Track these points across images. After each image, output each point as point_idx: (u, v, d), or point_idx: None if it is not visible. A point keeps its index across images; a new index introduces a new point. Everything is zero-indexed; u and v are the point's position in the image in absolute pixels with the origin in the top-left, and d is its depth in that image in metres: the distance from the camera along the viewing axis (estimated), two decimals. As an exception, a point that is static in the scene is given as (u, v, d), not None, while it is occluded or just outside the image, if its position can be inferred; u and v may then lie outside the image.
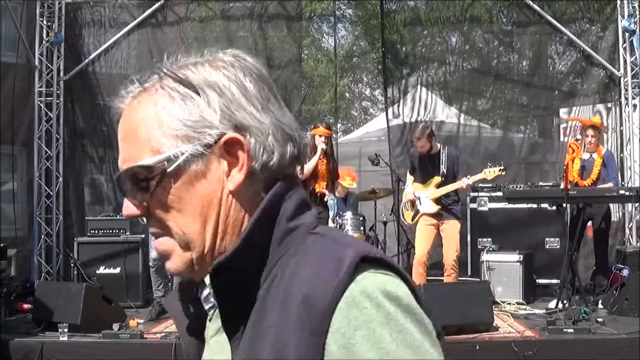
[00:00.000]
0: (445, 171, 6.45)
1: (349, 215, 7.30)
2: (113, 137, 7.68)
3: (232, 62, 0.91)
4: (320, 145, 6.48)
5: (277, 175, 0.90)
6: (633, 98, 8.09)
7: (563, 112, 8.79)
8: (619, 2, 8.12)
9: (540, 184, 7.72)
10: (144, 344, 5.34)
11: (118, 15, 8.66)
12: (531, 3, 8.41)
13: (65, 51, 8.49)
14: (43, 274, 8.05)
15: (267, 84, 0.93)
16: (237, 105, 0.88)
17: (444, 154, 6.51)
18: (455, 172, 6.48)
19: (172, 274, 0.92)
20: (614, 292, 6.20)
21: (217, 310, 0.90)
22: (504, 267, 6.86)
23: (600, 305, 6.30)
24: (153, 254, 6.42)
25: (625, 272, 6.82)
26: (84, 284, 6.08)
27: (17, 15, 7.78)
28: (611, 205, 7.04)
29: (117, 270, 7.13)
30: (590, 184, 6.55)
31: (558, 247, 7.31)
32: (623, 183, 7.70)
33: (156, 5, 8.61)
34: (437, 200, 6.45)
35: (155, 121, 0.87)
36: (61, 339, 5.35)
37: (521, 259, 6.84)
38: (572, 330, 5.27)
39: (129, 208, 0.90)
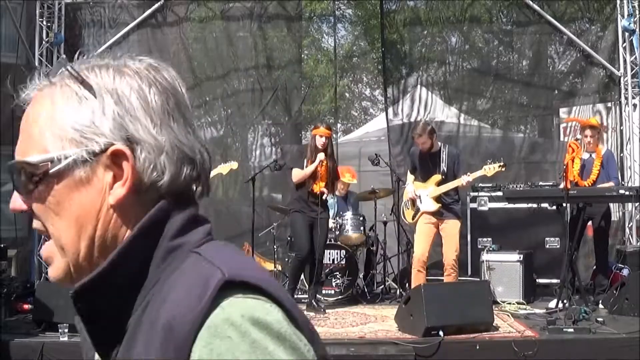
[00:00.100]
0: (445, 169, 6.44)
1: (349, 215, 7.31)
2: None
3: (139, 71, 0.86)
4: (320, 155, 6.39)
5: (168, 196, 0.85)
6: (633, 98, 8.10)
7: (563, 111, 8.79)
8: (618, 1, 8.12)
9: (540, 183, 7.72)
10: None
11: (118, 16, 8.67)
12: (531, 3, 8.40)
13: (65, 51, 8.47)
14: (43, 275, 8.02)
15: (177, 101, 0.88)
16: (132, 116, 0.83)
17: (444, 153, 6.50)
18: (455, 171, 6.46)
19: (52, 280, 0.87)
20: (614, 291, 6.20)
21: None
22: (504, 267, 6.85)
23: (600, 305, 6.30)
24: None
25: (625, 272, 6.82)
26: (84, 284, 6.06)
27: (17, 16, 7.78)
28: (611, 204, 7.04)
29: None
30: (590, 183, 6.55)
31: (558, 246, 7.30)
32: (623, 183, 7.70)
33: (156, 5, 8.61)
34: (438, 199, 6.43)
35: (49, 119, 0.84)
36: (61, 339, 5.34)
37: (521, 258, 6.83)
38: (572, 330, 5.26)
39: (15, 202, 0.88)
